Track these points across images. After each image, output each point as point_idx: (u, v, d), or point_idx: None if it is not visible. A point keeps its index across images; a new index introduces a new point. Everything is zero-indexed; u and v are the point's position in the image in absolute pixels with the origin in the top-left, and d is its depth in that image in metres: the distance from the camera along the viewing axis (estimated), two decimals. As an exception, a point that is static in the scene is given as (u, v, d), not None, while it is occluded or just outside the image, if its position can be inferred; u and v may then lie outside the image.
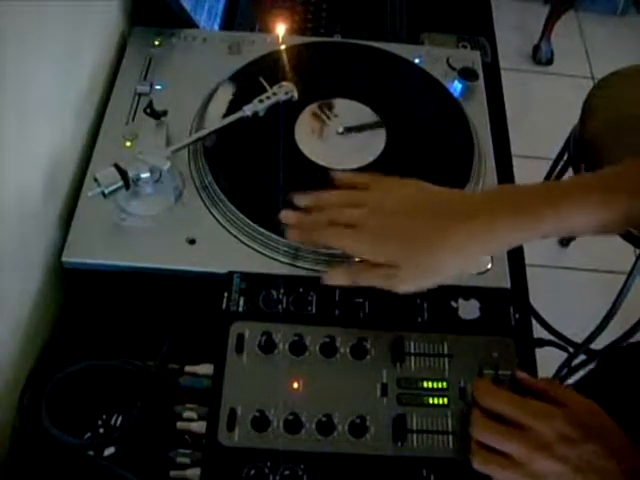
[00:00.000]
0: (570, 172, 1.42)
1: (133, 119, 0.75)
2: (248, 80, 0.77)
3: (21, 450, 0.59)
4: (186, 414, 0.57)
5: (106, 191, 0.63)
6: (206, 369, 0.59)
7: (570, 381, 0.84)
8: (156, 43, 0.82)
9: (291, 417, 0.55)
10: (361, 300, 0.62)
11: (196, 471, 0.54)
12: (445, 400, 0.57)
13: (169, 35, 0.83)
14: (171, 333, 0.63)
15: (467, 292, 0.63)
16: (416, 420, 0.56)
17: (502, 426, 0.53)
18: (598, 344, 0.76)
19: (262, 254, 0.66)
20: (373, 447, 0.55)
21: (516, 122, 0.91)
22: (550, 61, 2.23)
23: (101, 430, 0.60)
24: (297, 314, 0.61)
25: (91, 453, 0.58)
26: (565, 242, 1.80)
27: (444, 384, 0.58)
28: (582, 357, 0.79)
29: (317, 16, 0.93)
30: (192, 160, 0.72)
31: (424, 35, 0.91)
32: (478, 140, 0.76)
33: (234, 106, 0.74)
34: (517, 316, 0.62)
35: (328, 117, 0.76)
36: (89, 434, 0.59)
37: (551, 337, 0.67)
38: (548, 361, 0.61)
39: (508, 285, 0.66)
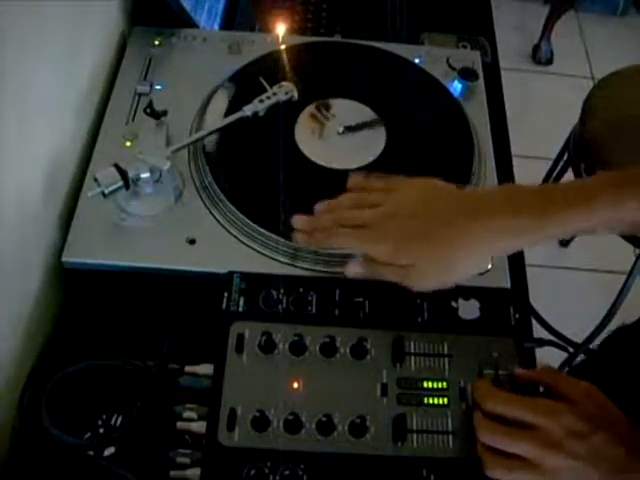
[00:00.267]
0: (570, 172, 1.42)
1: (133, 119, 0.75)
2: (248, 80, 0.77)
3: (21, 450, 0.59)
4: (186, 414, 0.57)
5: (106, 191, 0.63)
6: (206, 369, 0.59)
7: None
8: (156, 43, 0.82)
9: (291, 417, 0.55)
10: (361, 300, 0.62)
11: (196, 471, 0.54)
12: (445, 400, 0.57)
13: (169, 35, 0.83)
14: (171, 333, 0.63)
15: (467, 292, 0.63)
16: (416, 420, 0.56)
17: (507, 427, 0.53)
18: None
19: (262, 254, 0.66)
20: (373, 447, 0.55)
21: (516, 122, 0.91)
22: (550, 61, 2.23)
23: (101, 430, 0.60)
24: (297, 314, 0.61)
25: (91, 453, 0.58)
26: (565, 242, 1.79)
27: (444, 384, 0.58)
28: (582, 357, 0.79)
29: (317, 16, 0.93)
30: (192, 160, 0.72)
31: (424, 35, 0.91)
32: (478, 140, 0.76)
33: (234, 106, 0.74)
34: (517, 316, 0.62)
35: (328, 117, 0.76)
36: (89, 434, 0.59)
37: (551, 337, 0.67)
38: (548, 361, 0.61)
39: (508, 285, 0.66)
